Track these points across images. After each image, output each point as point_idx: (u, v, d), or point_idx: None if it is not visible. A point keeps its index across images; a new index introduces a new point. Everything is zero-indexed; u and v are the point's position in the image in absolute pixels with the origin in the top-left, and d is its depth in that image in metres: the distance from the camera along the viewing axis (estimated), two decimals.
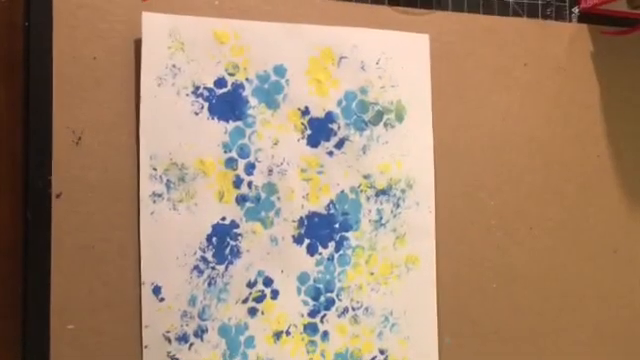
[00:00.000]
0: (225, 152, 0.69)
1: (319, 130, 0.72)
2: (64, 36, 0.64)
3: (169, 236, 0.67)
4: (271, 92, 0.71)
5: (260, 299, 0.70)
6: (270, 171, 0.70)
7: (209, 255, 0.68)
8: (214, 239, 0.68)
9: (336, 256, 0.73)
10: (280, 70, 0.71)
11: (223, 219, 0.69)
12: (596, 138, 0.84)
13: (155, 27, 0.66)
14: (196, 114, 0.68)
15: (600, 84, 0.84)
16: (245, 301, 0.69)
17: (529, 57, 0.81)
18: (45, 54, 0.64)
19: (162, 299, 0.66)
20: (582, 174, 0.84)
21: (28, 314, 0.63)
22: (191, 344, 0.67)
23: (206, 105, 0.68)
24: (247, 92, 0.70)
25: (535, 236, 0.82)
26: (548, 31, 0.82)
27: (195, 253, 0.68)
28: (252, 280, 0.70)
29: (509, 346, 0.80)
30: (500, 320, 0.80)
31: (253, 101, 0.70)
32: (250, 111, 0.70)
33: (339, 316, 0.73)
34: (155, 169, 0.66)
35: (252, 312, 0.70)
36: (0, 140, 0.63)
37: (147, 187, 0.66)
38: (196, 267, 0.68)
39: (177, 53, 0.67)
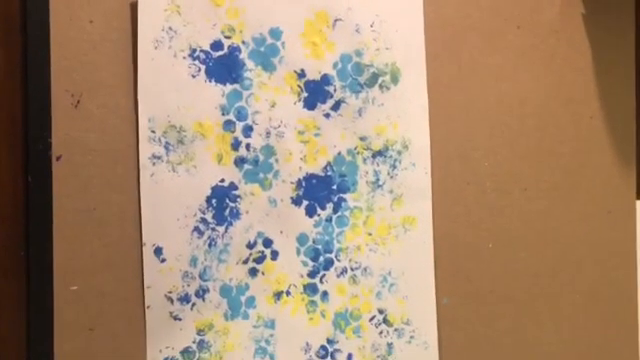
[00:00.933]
0: (223, 115, 0.70)
1: (315, 92, 0.73)
2: (61, 0, 0.64)
3: (169, 198, 0.68)
4: (267, 55, 0.71)
5: (260, 260, 0.71)
6: (268, 133, 0.71)
7: (209, 216, 0.69)
8: (213, 201, 0.69)
9: (334, 217, 0.74)
10: (276, 33, 0.71)
11: (222, 181, 0.69)
12: (589, 100, 0.85)
13: None
14: (193, 77, 0.68)
15: (592, 46, 0.85)
16: (245, 262, 0.70)
17: (522, 20, 0.82)
18: (42, 18, 0.64)
19: (163, 260, 0.67)
20: (575, 136, 0.85)
21: (31, 276, 0.64)
22: (193, 304, 0.68)
23: (203, 68, 0.69)
24: (243, 55, 0.70)
25: (529, 197, 0.83)
26: None
27: (195, 214, 0.68)
28: (252, 241, 0.71)
29: (506, 306, 0.81)
30: (496, 280, 0.81)
31: (250, 64, 0.71)
32: (247, 74, 0.70)
33: (338, 276, 0.74)
34: (154, 132, 0.67)
35: (252, 272, 0.71)
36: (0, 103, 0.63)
37: (146, 149, 0.67)
38: (196, 228, 0.69)
39: (173, 16, 0.67)
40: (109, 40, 0.66)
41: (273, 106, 0.71)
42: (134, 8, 0.66)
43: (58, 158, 0.64)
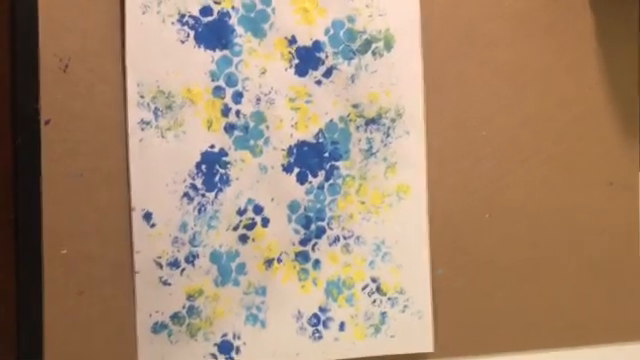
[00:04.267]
0: (212, 80, 0.69)
1: (307, 59, 0.72)
2: None
3: (158, 163, 0.67)
4: (257, 20, 0.70)
5: (251, 226, 0.71)
6: (258, 100, 0.71)
7: (199, 182, 0.69)
8: (203, 167, 0.69)
9: (326, 185, 0.73)
10: None
11: (212, 147, 0.69)
12: (590, 68, 0.83)
13: None
14: (182, 42, 0.68)
15: (594, 13, 0.83)
16: (236, 228, 0.70)
17: None
18: None
19: (153, 225, 0.67)
20: (576, 105, 0.83)
21: (20, 239, 0.64)
22: (182, 269, 0.68)
23: (192, 33, 0.68)
24: (233, 20, 0.70)
25: (528, 167, 0.81)
26: None
27: (185, 180, 0.68)
28: (242, 208, 0.70)
29: (502, 277, 0.80)
30: (493, 251, 0.80)
31: (239, 30, 0.70)
32: (237, 40, 0.70)
33: (330, 245, 0.73)
34: (142, 97, 0.67)
35: (243, 239, 0.70)
36: None
37: (135, 114, 0.67)
38: (186, 194, 0.68)
39: None
40: (98, 4, 0.66)
41: (264, 73, 0.71)
42: None
43: (47, 122, 0.64)
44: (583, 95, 0.83)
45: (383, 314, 0.74)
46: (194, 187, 0.69)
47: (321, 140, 0.73)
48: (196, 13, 0.69)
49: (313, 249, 0.73)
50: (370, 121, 0.74)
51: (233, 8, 0.70)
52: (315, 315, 0.73)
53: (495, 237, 0.80)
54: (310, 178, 0.73)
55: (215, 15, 0.69)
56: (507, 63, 0.80)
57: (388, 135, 0.75)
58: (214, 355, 0.70)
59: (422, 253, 0.76)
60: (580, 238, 0.83)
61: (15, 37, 0.64)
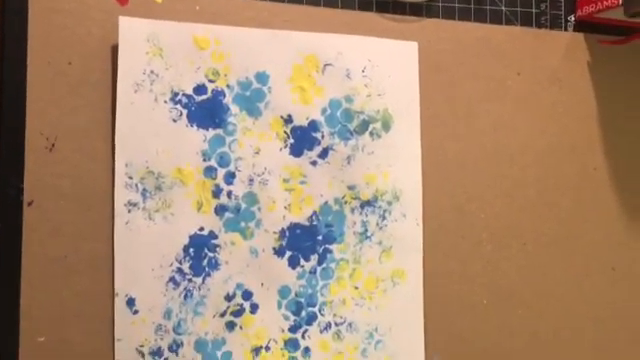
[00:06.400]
0: (204, 160, 0.67)
1: (302, 139, 0.70)
2: (39, 41, 0.63)
3: (144, 246, 0.65)
4: (253, 99, 0.69)
5: (238, 313, 0.68)
6: (251, 181, 0.68)
7: (186, 267, 0.66)
8: (191, 250, 0.66)
9: (319, 269, 0.70)
10: (262, 77, 0.69)
11: (201, 229, 0.67)
12: (593, 150, 0.81)
13: (133, 32, 0.64)
14: (174, 121, 0.66)
15: (597, 94, 0.82)
16: (223, 315, 0.67)
17: (523, 66, 0.79)
18: (19, 59, 0.62)
19: (136, 311, 0.64)
20: (578, 188, 0.81)
21: None
22: (165, 359, 0.65)
23: (185, 112, 0.67)
24: (228, 99, 0.68)
25: (528, 252, 0.79)
26: (543, 40, 0.80)
27: (171, 264, 0.66)
28: (230, 293, 0.67)
29: None
30: (491, 338, 0.77)
31: (234, 108, 0.68)
32: (231, 119, 0.68)
33: (321, 332, 0.70)
34: (131, 177, 0.65)
35: (230, 326, 0.67)
36: None
37: (122, 196, 0.64)
38: (172, 279, 0.66)
39: (155, 59, 0.65)
40: (88, 82, 0.64)
41: (257, 152, 0.69)
42: (115, 50, 0.64)
43: (30, 203, 0.62)
44: (585, 178, 0.81)
45: None
46: (181, 271, 0.66)
47: (315, 223, 0.70)
48: (190, 92, 0.67)
49: (303, 336, 0.70)
50: (366, 203, 0.72)
51: (228, 86, 0.68)
52: None
53: (492, 324, 0.77)
54: (302, 262, 0.70)
55: (209, 94, 0.67)
56: (507, 145, 0.78)
57: (384, 218, 0.73)
58: None
59: (417, 341, 0.73)
60: (581, 325, 0.80)
61: (1, 114, 0.62)
